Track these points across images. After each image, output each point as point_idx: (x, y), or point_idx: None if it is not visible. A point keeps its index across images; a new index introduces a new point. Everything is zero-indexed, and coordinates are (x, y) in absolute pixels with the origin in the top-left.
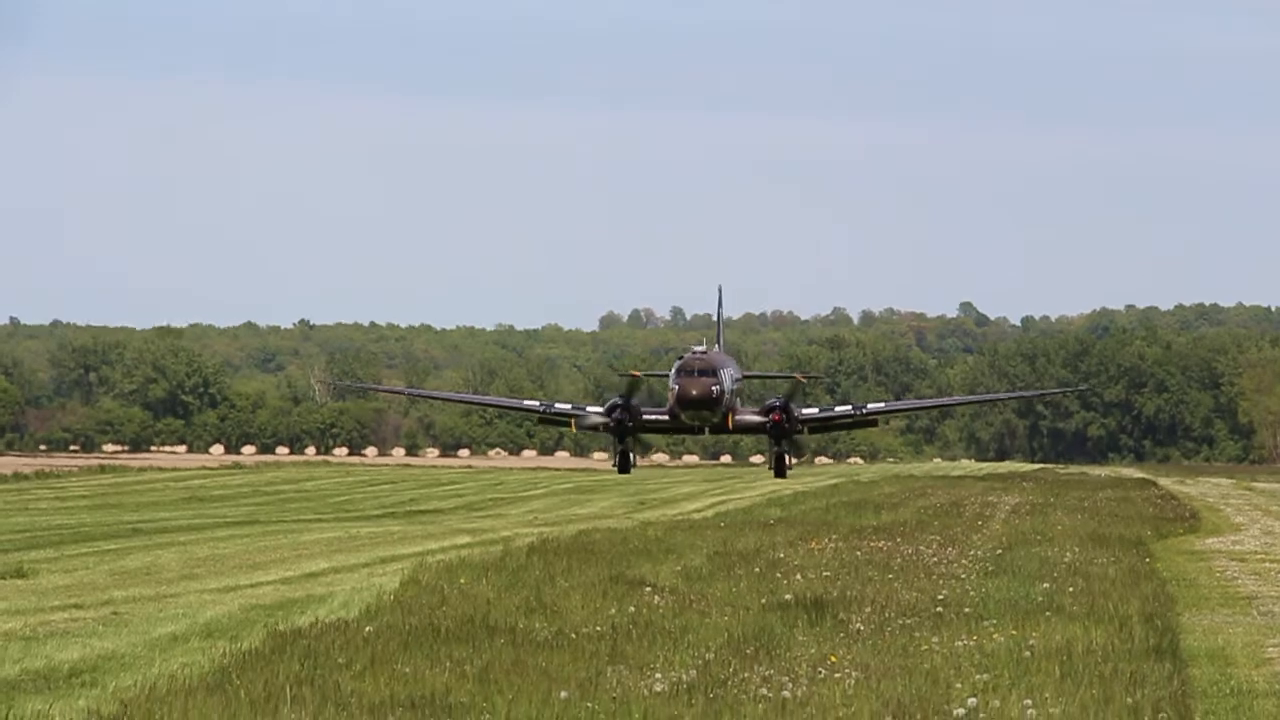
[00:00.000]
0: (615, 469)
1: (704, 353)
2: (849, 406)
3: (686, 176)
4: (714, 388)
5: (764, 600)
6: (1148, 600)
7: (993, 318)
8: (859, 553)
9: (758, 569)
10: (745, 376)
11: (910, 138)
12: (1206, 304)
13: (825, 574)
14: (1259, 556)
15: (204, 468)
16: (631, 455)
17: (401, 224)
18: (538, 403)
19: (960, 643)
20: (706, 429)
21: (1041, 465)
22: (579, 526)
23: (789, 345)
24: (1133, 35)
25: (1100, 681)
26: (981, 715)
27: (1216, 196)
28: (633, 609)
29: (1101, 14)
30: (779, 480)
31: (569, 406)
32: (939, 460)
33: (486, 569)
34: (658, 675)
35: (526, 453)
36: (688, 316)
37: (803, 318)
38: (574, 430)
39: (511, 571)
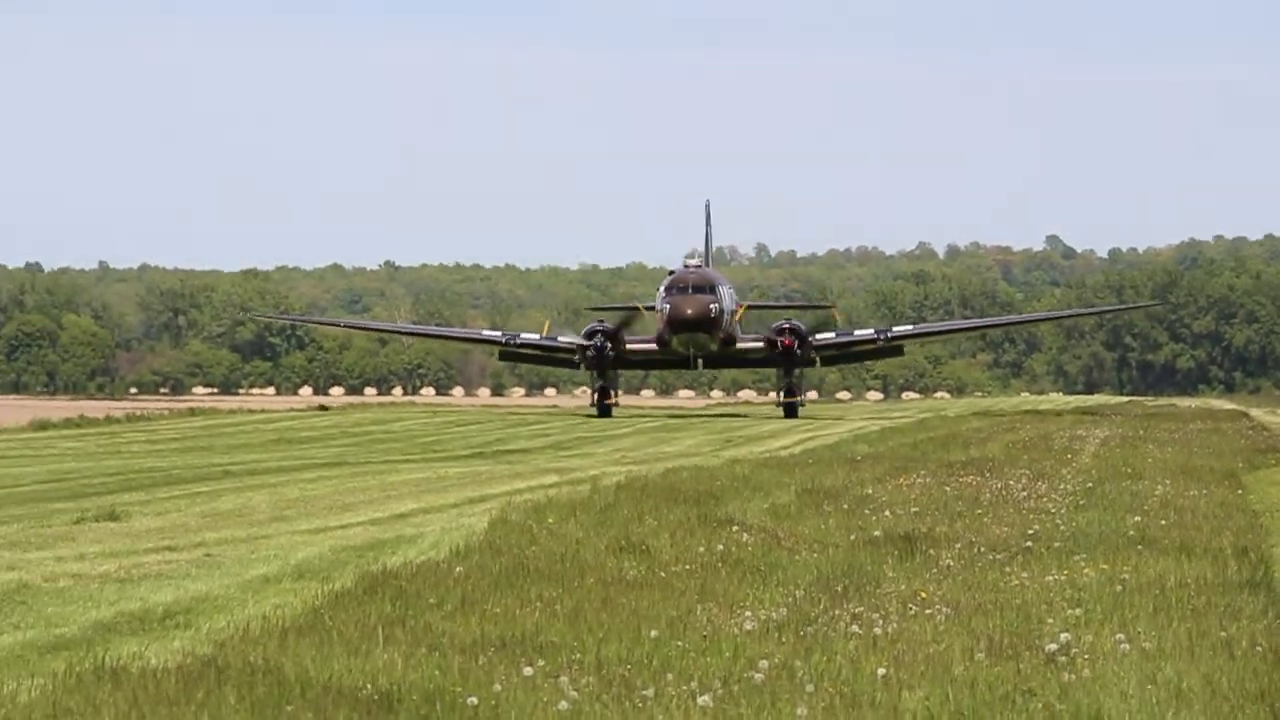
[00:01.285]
0: (594, 411)
1: (699, 266)
2: (870, 331)
3: (769, 111)
4: (712, 306)
5: (853, 537)
6: (1241, 533)
7: (1080, 250)
8: (948, 488)
9: (846, 506)
10: (752, 306)
11: (994, 69)
12: None
13: (914, 510)
14: None
15: (292, 410)
16: (614, 393)
17: (485, 163)
18: (500, 333)
19: (1051, 578)
20: (701, 361)
21: (1130, 398)
22: (666, 465)
23: (874, 280)
24: None
25: (1194, 615)
26: (1074, 650)
27: None
28: (721, 547)
29: None
30: (791, 419)
31: (537, 337)
32: (1026, 394)
33: (575, 508)
34: (747, 613)
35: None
36: (772, 253)
37: (887, 253)
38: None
39: (600, 510)
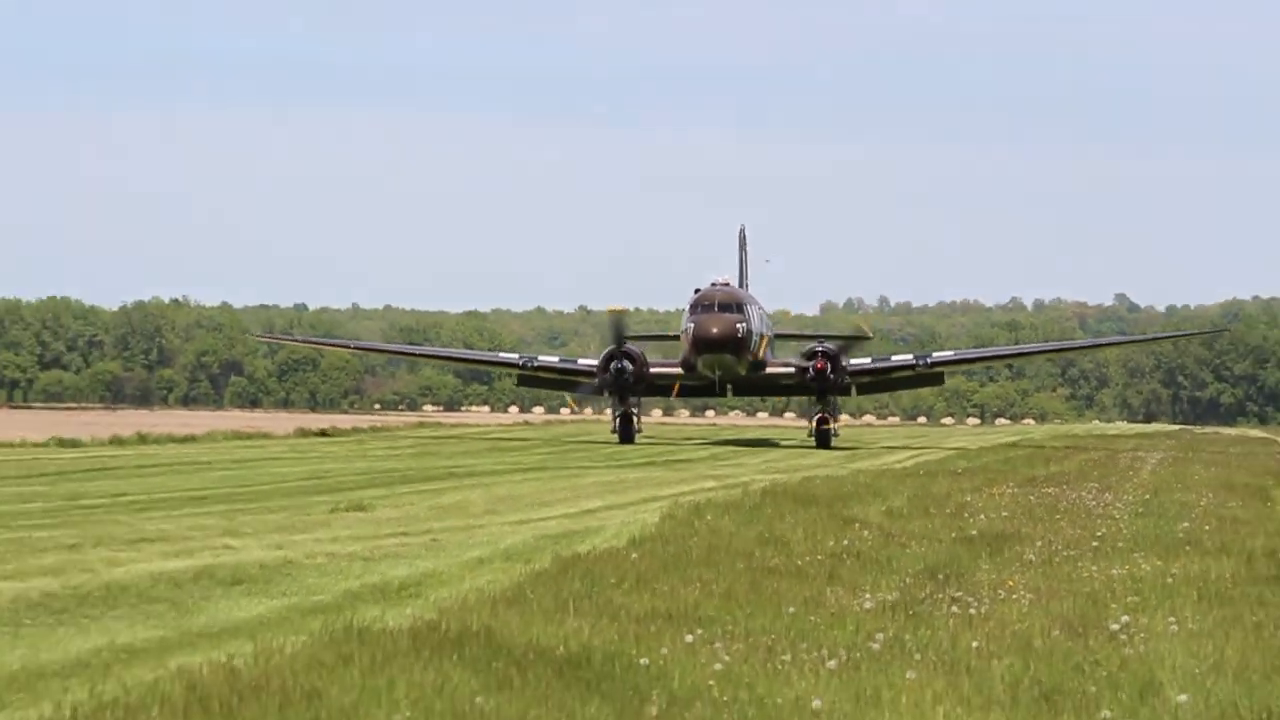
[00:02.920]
0: (616, 437)
1: (727, 284)
2: (909, 356)
3: (896, 178)
4: (739, 325)
5: (953, 535)
6: (1269, 537)
7: (1142, 305)
8: (1031, 497)
9: (948, 510)
10: (781, 335)
11: (1059, 154)
12: None
13: (1004, 514)
14: None
15: (501, 425)
16: (636, 419)
17: (666, 210)
18: (517, 356)
19: (1114, 571)
20: (729, 387)
21: (1182, 426)
22: (803, 474)
23: (974, 328)
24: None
25: (1230, 603)
26: (1133, 629)
27: None
28: (846, 541)
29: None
30: (825, 451)
31: (555, 360)
32: (1097, 421)
33: (728, 508)
34: (867, 595)
35: (760, 415)
36: (892, 304)
37: (986, 305)
38: (572, 403)
39: (748, 510)
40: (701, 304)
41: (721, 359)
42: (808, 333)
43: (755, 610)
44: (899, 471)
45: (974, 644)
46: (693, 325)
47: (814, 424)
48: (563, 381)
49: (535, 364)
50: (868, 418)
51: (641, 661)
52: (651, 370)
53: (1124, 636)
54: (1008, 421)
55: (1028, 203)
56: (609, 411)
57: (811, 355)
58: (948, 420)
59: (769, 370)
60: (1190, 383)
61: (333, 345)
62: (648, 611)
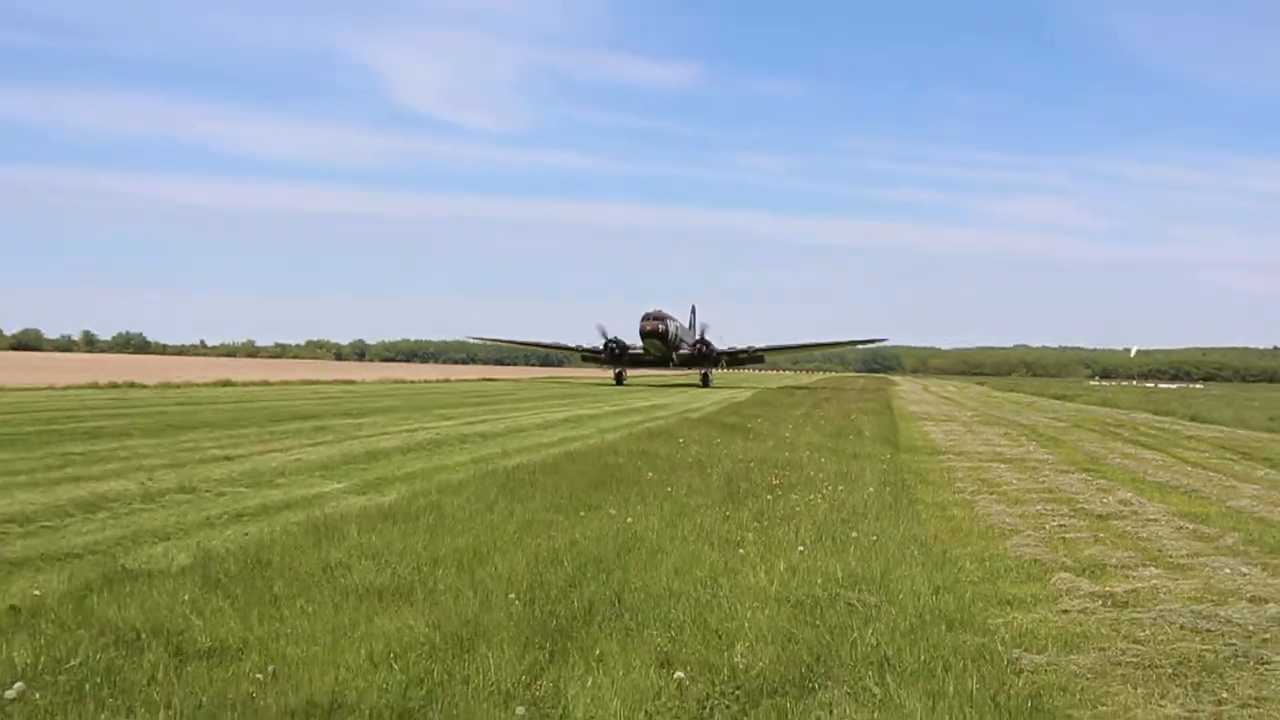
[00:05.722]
0: (614, 382)
1: (659, 310)
2: (745, 345)
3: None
4: (660, 327)
5: (821, 398)
6: (887, 400)
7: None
8: (834, 390)
9: (815, 392)
10: (698, 340)
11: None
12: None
13: (829, 396)
14: (908, 394)
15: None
16: (623, 374)
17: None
18: (576, 346)
19: (853, 407)
20: (671, 360)
21: (868, 374)
22: (781, 385)
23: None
24: None
25: (881, 414)
26: (858, 421)
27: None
28: (796, 398)
29: None
30: (707, 388)
31: (589, 346)
32: (847, 373)
33: (777, 389)
34: (800, 410)
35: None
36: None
37: (826, 342)
38: (579, 358)
39: (773, 393)
40: (643, 318)
41: (654, 344)
42: (707, 338)
43: (775, 413)
44: (808, 384)
45: (821, 421)
46: (640, 329)
47: (700, 376)
48: (593, 357)
49: (585, 348)
50: (785, 372)
51: (748, 425)
52: (630, 351)
53: (855, 421)
54: (822, 373)
55: (840, 290)
56: (606, 370)
57: (697, 343)
58: (817, 373)
59: (682, 352)
60: (869, 362)
61: (505, 342)
62: (750, 414)
